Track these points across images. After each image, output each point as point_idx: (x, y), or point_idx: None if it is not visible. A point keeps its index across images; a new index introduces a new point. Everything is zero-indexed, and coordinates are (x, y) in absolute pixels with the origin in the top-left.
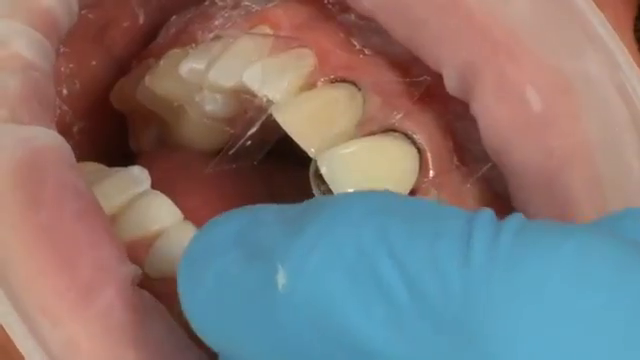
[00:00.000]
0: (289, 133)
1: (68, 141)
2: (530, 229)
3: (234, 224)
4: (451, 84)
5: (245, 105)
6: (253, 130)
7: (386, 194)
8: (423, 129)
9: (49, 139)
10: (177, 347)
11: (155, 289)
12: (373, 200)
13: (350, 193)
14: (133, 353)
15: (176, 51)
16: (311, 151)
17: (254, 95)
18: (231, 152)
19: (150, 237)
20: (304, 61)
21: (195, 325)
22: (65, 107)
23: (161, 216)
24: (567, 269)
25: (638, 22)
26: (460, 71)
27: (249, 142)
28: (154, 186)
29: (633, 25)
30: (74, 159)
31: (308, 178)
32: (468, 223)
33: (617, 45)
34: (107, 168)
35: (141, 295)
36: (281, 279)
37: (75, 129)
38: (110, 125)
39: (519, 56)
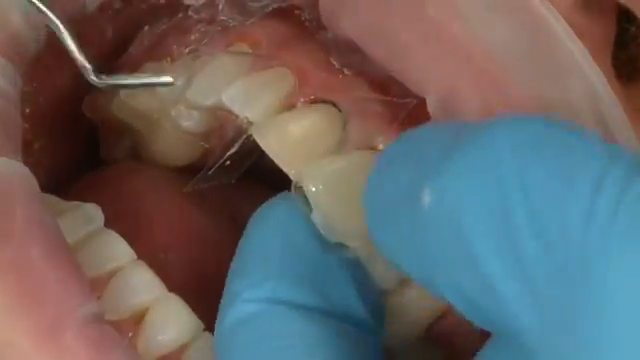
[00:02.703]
0: (269, 154)
1: (28, 158)
2: None
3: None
4: (434, 109)
5: (221, 120)
6: (233, 150)
7: (534, 122)
8: None
9: (16, 171)
10: None
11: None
12: (520, 132)
13: (500, 121)
14: None
15: (151, 65)
16: (291, 173)
17: (233, 114)
18: (210, 171)
19: (104, 277)
20: (284, 81)
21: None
22: (26, 125)
23: (114, 256)
24: None
25: (616, 49)
26: (443, 97)
27: (228, 161)
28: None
29: (611, 52)
30: (39, 190)
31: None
32: (602, 171)
33: (596, 74)
34: (62, 202)
35: (104, 330)
36: (426, 196)
37: (36, 146)
38: (75, 140)
39: (503, 84)
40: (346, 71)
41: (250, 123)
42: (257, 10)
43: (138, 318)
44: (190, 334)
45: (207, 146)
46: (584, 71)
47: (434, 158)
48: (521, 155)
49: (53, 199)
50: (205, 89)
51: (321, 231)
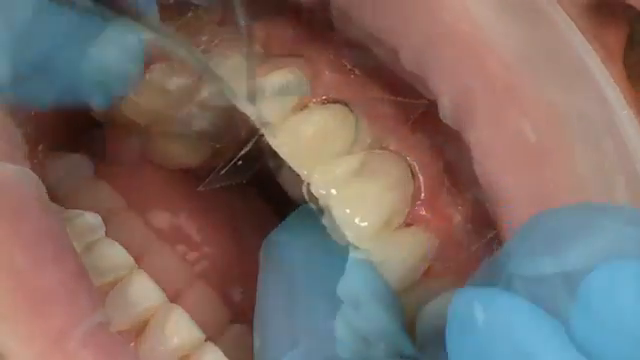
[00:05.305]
0: (282, 155)
1: (31, 160)
2: None
3: None
4: (445, 112)
5: (232, 121)
6: (245, 150)
7: None
8: (415, 151)
9: (26, 179)
10: None
11: None
12: None
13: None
14: None
15: (161, 65)
16: (304, 173)
17: (244, 114)
18: (222, 172)
19: (106, 286)
20: (296, 81)
21: None
22: (30, 127)
23: (115, 265)
24: None
25: (628, 52)
26: (455, 101)
27: (240, 162)
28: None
29: (623, 55)
30: (48, 198)
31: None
32: None
33: (606, 79)
34: (64, 210)
35: (112, 339)
36: None
37: (39, 148)
38: (78, 142)
39: (515, 88)
40: (357, 71)
41: (262, 123)
42: (268, 11)
43: (140, 328)
44: (192, 344)
45: (218, 146)
46: (594, 76)
47: None
48: None
49: (55, 207)
50: (217, 89)
51: (331, 235)
